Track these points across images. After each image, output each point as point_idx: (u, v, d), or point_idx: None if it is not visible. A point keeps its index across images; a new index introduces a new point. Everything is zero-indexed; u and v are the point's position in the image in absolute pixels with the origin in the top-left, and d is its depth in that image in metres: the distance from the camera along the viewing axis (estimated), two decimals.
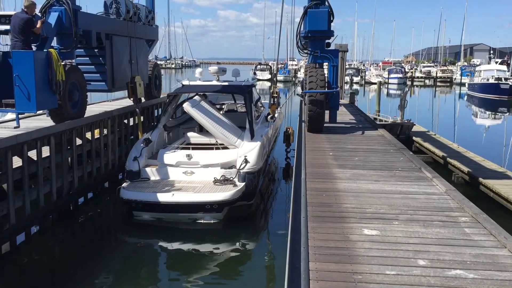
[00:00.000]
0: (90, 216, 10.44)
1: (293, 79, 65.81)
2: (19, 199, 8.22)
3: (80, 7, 10.67)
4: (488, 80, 43.72)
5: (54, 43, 10.15)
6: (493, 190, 10.64)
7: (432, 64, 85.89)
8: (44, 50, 9.02)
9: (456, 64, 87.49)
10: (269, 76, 64.99)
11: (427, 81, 74.01)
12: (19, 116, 9.26)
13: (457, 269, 4.29)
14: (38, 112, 9.81)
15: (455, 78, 69.60)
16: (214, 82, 11.94)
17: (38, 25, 9.00)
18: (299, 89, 27.90)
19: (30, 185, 8.60)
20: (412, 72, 74.93)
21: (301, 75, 58.65)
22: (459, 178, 12.34)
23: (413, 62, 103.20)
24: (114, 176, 12.07)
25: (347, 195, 6.62)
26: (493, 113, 35.00)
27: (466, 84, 52.36)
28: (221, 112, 12.54)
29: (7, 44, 10.29)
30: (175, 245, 8.54)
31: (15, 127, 8.80)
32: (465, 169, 12.26)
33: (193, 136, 11.28)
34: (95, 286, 7.20)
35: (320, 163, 8.61)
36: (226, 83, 11.99)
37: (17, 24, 8.77)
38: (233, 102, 14.35)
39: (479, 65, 63.48)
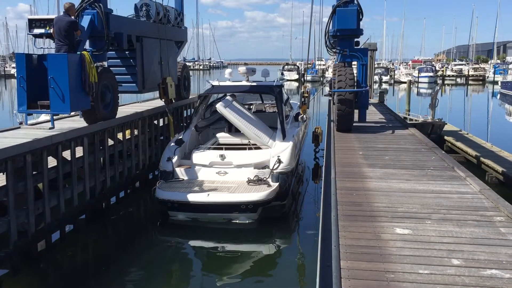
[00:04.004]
0: (122, 215, 10.63)
1: (321, 79, 65.47)
2: (54, 198, 8.43)
3: (111, 10, 10.87)
4: None
5: (86, 45, 10.37)
6: None
7: (463, 62, 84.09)
8: (78, 53, 9.24)
9: (489, 62, 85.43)
10: (296, 76, 64.93)
11: (458, 79, 72.53)
12: (54, 117, 9.49)
13: (492, 269, 4.20)
14: (71, 113, 10.05)
15: (487, 76, 67.98)
16: (244, 83, 11.98)
17: (78, 33, 9.28)
18: (326, 89, 27.74)
19: (65, 185, 8.81)
20: (443, 71, 73.53)
21: (329, 74, 58.27)
22: (493, 178, 12.05)
23: (444, 61, 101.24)
24: (144, 176, 12.27)
25: (378, 194, 6.55)
26: None
27: (499, 82, 51.06)
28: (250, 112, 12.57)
29: (41, 47, 10.57)
30: (210, 245, 8.65)
31: (50, 128, 9.03)
32: (500, 168, 11.97)
33: (224, 137, 11.34)
34: (128, 283, 7.34)
35: (350, 162, 8.55)
36: (256, 83, 12.02)
37: (62, 27, 9.01)
38: (261, 102, 14.37)
39: None
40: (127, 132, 11.39)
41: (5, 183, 7.38)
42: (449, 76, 73.97)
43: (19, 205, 7.53)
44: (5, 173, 7.29)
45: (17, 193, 7.46)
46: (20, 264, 7.44)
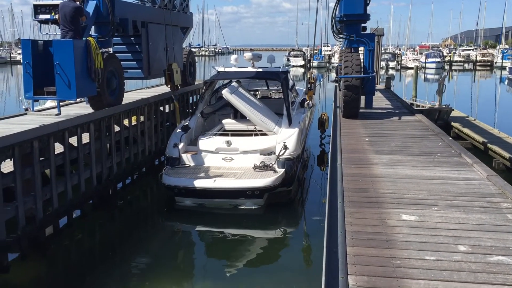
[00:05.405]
0: (129, 201, 10.69)
1: (327, 64, 65.05)
2: (61, 184, 8.48)
3: None
4: None
5: (92, 31, 10.33)
6: None
7: (471, 48, 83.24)
8: (83, 39, 9.21)
9: (497, 47, 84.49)
10: (302, 62, 64.54)
11: (466, 65, 71.89)
12: (60, 103, 9.50)
13: (499, 255, 4.20)
14: (77, 99, 10.05)
15: (495, 62, 67.30)
16: (250, 69, 11.92)
17: (83, 18, 9.25)
18: (333, 75, 27.51)
19: (71, 171, 8.86)
20: (450, 56, 72.87)
21: (335, 60, 57.90)
22: (500, 164, 12.00)
23: (452, 46, 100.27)
24: (151, 162, 12.31)
25: (384, 180, 6.54)
26: None
27: (507, 68, 50.57)
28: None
29: (47, 34, 10.54)
30: (216, 230, 8.68)
31: (56, 114, 9.06)
32: (507, 155, 11.91)
33: (229, 123, 11.33)
34: (134, 268, 7.39)
35: (356, 149, 8.53)
36: (262, 69, 11.96)
37: (68, 13, 8.98)
38: (267, 88, 14.32)
39: None
40: (133, 118, 11.40)
41: (12, 169, 7.42)
42: (456, 61, 73.25)
43: (27, 191, 7.58)
44: (12, 159, 7.33)
45: (25, 179, 7.50)
46: (28, 249, 7.51)
